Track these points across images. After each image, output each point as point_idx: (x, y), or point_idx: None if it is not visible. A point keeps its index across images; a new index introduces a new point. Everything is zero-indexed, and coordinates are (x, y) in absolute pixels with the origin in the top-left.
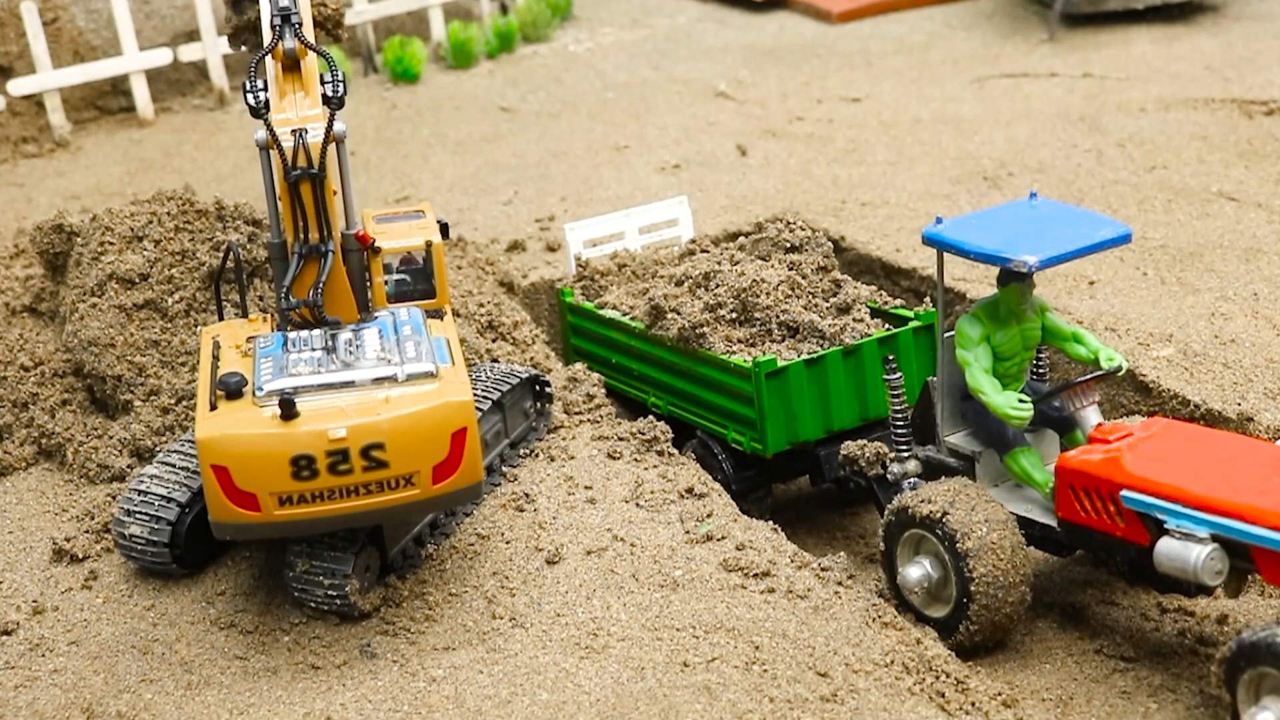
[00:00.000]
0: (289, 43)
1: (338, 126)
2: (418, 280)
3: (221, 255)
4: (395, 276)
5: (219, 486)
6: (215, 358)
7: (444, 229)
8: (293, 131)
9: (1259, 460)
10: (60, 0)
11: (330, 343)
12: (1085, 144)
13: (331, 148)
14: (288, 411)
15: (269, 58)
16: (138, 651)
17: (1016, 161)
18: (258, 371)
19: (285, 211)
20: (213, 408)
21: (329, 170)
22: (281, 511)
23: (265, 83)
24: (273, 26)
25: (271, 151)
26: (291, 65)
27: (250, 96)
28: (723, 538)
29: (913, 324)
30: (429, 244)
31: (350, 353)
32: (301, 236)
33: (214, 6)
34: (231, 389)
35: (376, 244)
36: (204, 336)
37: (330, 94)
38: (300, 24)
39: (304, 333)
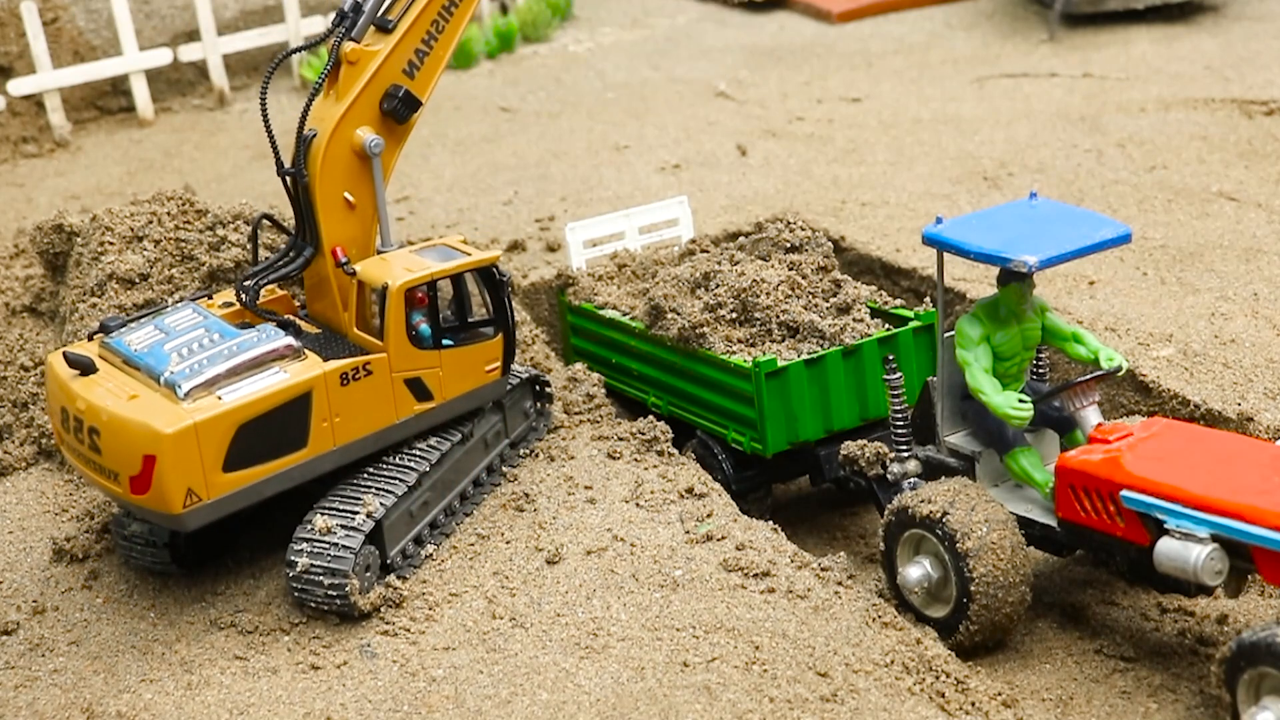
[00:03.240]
0: (337, 45)
1: (369, 138)
2: (376, 318)
3: (253, 224)
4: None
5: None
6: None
7: (498, 276)
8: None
9: (1259, 460)
10: (60, 0)
11: (190, 331)
12: (1085, 144)
13: (365, 161)
14: (75, 365)
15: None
16: (138, 651)
17: (1016, 161)
18: (133, 326)
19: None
20: (90, 339)
21: (323, 177)
22: (63, 446)
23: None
24: (334, 24)
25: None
26: (336, 66)
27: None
28: (723, 538)
29: (913, 324)
30: (384, 286)
31: (183, 347)
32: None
33: (214, 6)
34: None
35: (349, 265)
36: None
37: (385, 107)
38: (353, 27)
39: (202, 317)
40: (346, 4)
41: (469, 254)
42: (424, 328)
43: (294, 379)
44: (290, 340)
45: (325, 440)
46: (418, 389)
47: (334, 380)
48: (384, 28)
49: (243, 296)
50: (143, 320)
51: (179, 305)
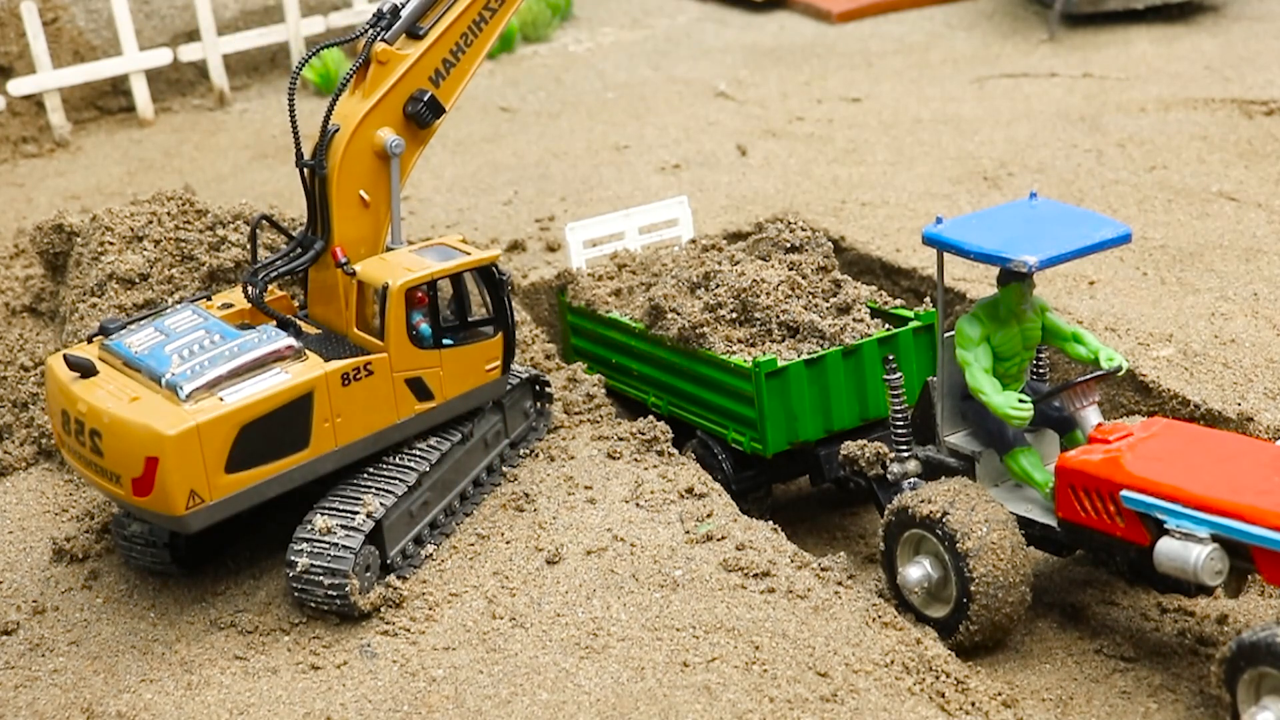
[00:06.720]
0: (369, 44)
1: (390, 139)
2: (377, 318)
3: (251, 225)
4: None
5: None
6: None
7: (498, 275)
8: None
9: (1259, 460)
10: (60, 0)
11: (191, 333)
12: (1085, 144)
13: (384, 161)
14: (75, 368)
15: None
16: (138, 651)
17: (1016, 161)
18: (133, 328)
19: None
20: (89, 341)
21: (341, 173)
22: (64, 449)
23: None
24: (370, 23)
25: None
26: (365, 64)
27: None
28: (723, 538)
29: (913, 324)
30: (385, 286)
31: (184, 349)
32: (310, 227)
33: (214, 6)
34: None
35: (349, 265)
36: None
37: (409, 111)
38: (387, 28)
39: (202, 319)
40: (386, 5)
41: (469, 253)
42: (424, 327)
43: (296, 379)
44: (291, 340)
45: (327, 440)
46: (418, 389)
47: (335, 380)
48: (415, 34)
49: (249, 290)
50: (143, 322)
51: (179, 307)
